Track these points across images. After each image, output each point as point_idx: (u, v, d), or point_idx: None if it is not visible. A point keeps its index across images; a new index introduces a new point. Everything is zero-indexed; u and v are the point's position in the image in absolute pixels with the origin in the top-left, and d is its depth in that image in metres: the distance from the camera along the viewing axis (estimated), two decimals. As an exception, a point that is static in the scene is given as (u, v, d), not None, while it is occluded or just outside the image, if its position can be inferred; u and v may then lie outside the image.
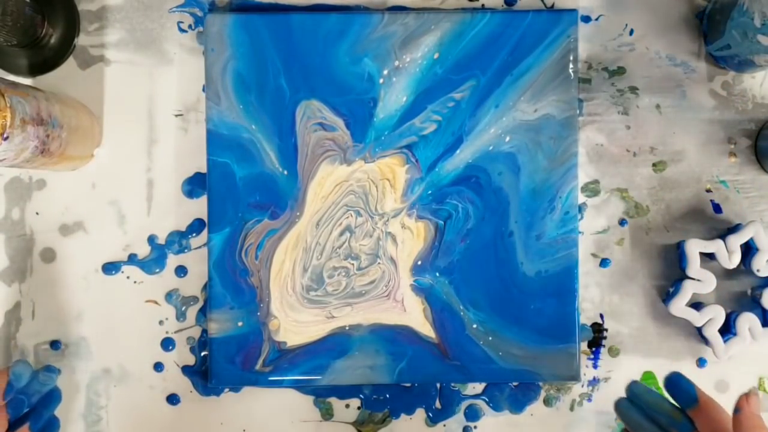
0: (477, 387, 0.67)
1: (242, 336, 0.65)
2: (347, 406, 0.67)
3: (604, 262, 0.67)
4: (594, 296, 0.67)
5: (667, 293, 0.66)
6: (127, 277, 0.67)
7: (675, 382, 0.54)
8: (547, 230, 0.65)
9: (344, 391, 0.67)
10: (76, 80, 0.66)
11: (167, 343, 0.67)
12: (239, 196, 0.64)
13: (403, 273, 0.65)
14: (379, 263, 0.65)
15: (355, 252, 0.65)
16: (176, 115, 0.66)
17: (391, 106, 0.64)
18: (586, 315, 0.67)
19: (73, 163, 0.64)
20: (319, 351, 0.65)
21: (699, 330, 0.65)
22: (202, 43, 0.66)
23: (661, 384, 0.59)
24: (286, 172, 0.64)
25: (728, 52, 0.64)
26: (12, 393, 0.59)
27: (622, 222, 0.67)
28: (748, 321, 0.64)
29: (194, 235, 0.66)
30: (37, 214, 0.66)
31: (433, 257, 0.65)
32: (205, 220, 0.66)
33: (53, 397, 0.63)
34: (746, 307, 0.65)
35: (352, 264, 0.65)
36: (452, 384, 0.67)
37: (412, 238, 0.65)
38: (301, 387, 0.66)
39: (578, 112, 0.65)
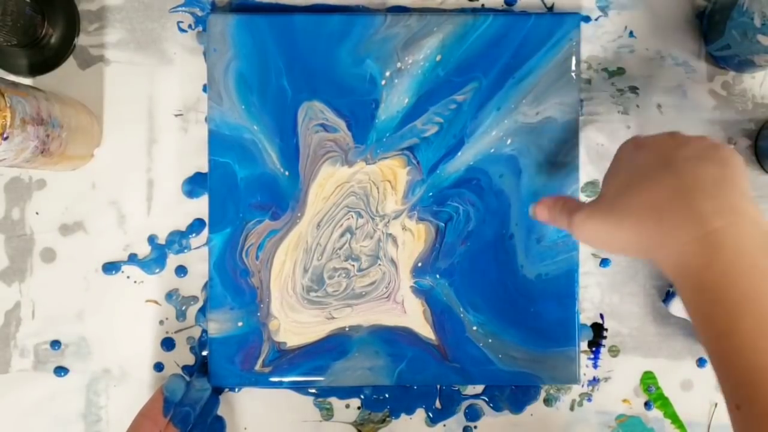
0: (477, 387, 0.67)
1: (242, 336, 0.65)
2: (347, 406, 0.67)
3: (604, 262, 0.67)
4: (594, 296, 0.67)
5: (667, 293, 0.66)
6: (127, 277, 0.66)
7: None
8: (547, 233, 0.65)
9: (344, 392, 0.67)
10: (76, 80, 0.66)
11: (167, 343, 0.67)
12: (240, 196, 0.64)
13: (404, 275, 0.65)
14: (379, 265, 0.65)
15: (356, 253, 0.65)
16: (176, 115, 0.66)
17: (393, 108, 0.64)
18: (586, 315, 0.67)
19: (73, 163, 0.64)
20: (318, 352, 0.65)
21: (698, 331, 0.65)
22: (203, 42, 0.66)
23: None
24: (287, 173, 0.64)
25: (728, 52, 0.64)
26: (171, 409, 0.62)
27: (622, 222, 0.67)
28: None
29: (194, 235, 0.66)
30: (37, 214, 0.66)
31: (433, 259, 0.65)
32: (206, 220, 0.66)
33: (212, 401, 0.66)
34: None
35: (353, 265, 0.65)
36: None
37: (412, 239, 0.65)
38: (300, 388, 0.66)
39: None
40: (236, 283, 0.64)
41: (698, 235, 0.44)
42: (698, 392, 0.67)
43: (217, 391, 0.66)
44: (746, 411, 0.42)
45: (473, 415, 0.67)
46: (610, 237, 0.49)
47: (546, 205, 0.56)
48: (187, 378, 0.65)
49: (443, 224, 0.65)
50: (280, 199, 0.64)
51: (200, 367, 0.66)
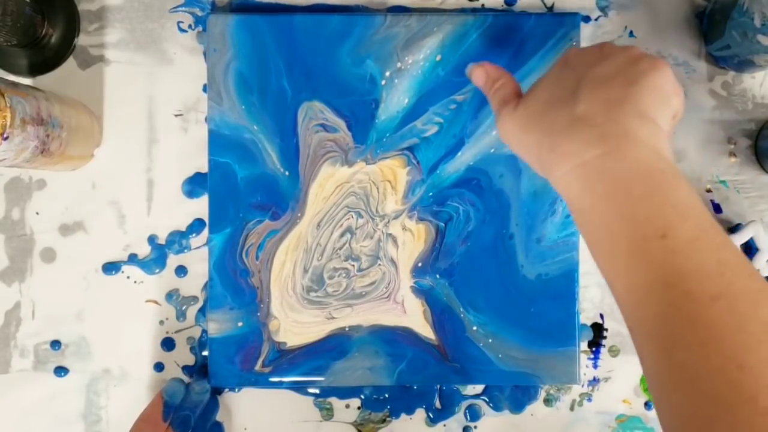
0: (477, 387, 0.67)
1: (242, 336, 0.65)
2: (347, 406, 0.67)
3: (604, 263, 0.67)
4: (594, 296, 0.67)
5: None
6: (127, 277, 0.66)
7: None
8: (547, 233, 0.65)
9: (344, 392, 0.67)
10: (76, 80, 0.66)
11: (167, 343, 0.67)
12: (240, 196, 0.64)
13: (404, 275, 0.65)
14: (379, 265, 0.65)
15: (356, 253, 0.65)
16: (176, 115, 0.66)
17: (393, 108, 0.64)
18: (586, 315, 0.67)
19: (73, 163, 0.64)
20: (318, 352, 0.65)
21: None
22: (202, 43, 0.66)
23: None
24: (287, 173, 0.64)
25: (728, 52, 0.64)
26: (171, 412, 0.62)
27: (622, 222, 0.67)
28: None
29: (194, 235, 0.66)
30: (37, 214, 0.66)
31: (433, 259, 0.65)
32: (206, 220, 0.66)
33: (212, 404, 0.66)
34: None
35: (353, 265, 0.65)
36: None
37: (412, 239, 0.65)
38: (300, 388, 0.66)
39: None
40: (236, 283, 0.64)
41: (575, 164, 0.45)
42: (698, 392, 0.67)
43: (217, 391, 0.66)
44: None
45: (473, 415, 0.67)
46: (520, 146, 0.51)
47: (487, 73, 0.56)
48: (187, 381, 0.65)
49: (443, 224, 0.65)
50: (280, 199, 0.64)
51: (200, 370, 0.66)
